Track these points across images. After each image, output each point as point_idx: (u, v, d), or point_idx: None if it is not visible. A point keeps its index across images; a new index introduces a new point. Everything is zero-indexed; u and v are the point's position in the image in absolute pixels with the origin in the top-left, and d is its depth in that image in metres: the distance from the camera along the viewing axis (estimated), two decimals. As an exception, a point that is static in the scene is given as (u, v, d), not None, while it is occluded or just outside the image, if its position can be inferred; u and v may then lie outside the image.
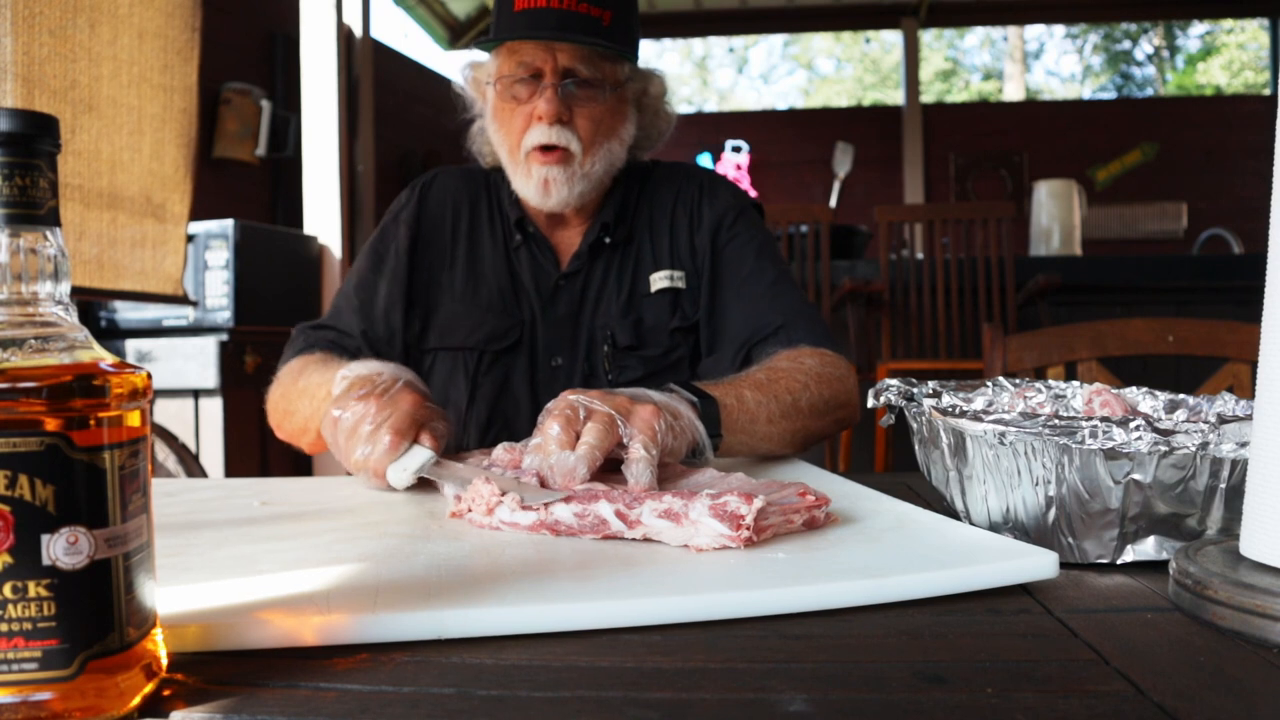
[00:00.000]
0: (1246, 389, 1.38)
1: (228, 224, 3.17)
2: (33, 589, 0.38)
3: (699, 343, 1.31)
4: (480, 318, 1.29)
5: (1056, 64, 18.20)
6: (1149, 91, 15.23)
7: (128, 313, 3.16)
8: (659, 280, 1.30)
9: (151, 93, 1.91)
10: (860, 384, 1.19)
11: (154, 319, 3.15)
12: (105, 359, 0.42)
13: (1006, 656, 0.48)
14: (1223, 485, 0.63)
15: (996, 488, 0.70)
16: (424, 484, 0.89)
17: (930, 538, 0.66)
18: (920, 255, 3.91)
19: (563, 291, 1.30)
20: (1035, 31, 15.58)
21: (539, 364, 1.29)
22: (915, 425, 0.80)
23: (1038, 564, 0.59)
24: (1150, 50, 15.24)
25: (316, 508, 0.84)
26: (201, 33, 2.03)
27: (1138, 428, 0.62)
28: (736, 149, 6.70)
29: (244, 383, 3.16)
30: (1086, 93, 15.80)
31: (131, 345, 3.13)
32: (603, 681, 0.45)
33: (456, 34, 6.40)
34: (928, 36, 14.11)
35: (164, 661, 0.44)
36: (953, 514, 0.76)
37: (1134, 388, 0.88)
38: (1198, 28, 14.36)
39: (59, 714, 0.39)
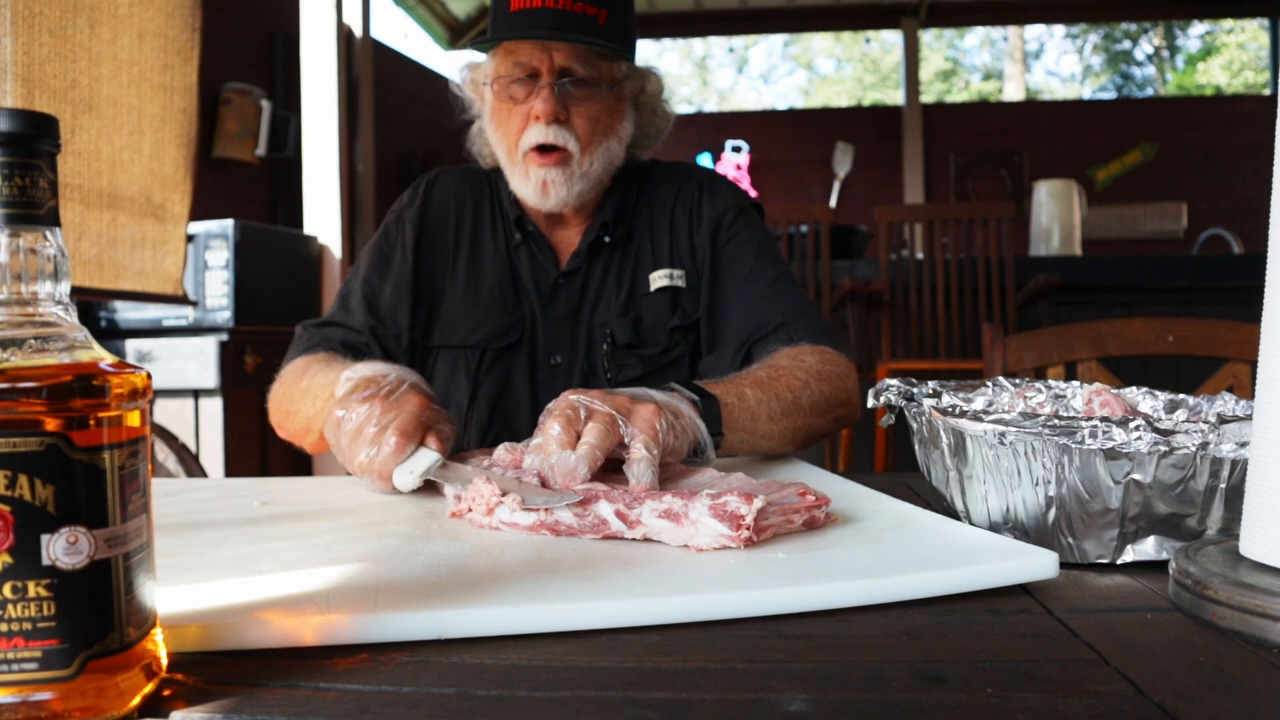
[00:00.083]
0: (1246, 389, 1.38)
1: (228, 224, 3.17)
2: (33, 589, 0.38)
3: (699, 341, 1.31)
4: (481, 316, 1.29)
5: (1056, 64, 18.22)
6: (1149, 91, 15.24)
7: (128, 313, 3.16)
8: (658, 279, 1.31)
9: (151, 93, 1.91)
10: (860, 384, 1.19)
11: (154, 319, 3.15)
12: (105, 359, 0.42)
13: (1006, 656, 0.48)
14: (1223, 485, 0.63)
15: (996, 488, 0.70)
16: (425, 484, 0.89)
17: (930, 538, 0.66)
18: (920, 255, 3.91)
19: (562, 290, 1.31)
20: (1035, 31, 15.58)
21: (539, 363, 1.29)
22: (915, 425, 0.80)
23: (1038, 564, 0.59)
24: (1150, 50, 15.25)
25: (316, 508, 0.84)
26: (201, 33, 2.03)
27: (1138, 428, 0.62)
28: (736, 149, 6.70)
29: (244, 383, 3.16)
30: (1086, 93, 15.80)
31: (131, 345, 3.13)
32: (603, 681, 0.45)
33: (456, 34, 6.41)
34: (928, 36, 14.12)
35: (164, 661, 0.44)
36: (953, 514, 0.76)
37: (1134, 388, 0.88)
38: (1198, 28, 14.36)
39: (59, 714, 0.39)
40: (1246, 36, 13.47)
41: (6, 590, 0.38)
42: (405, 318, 1.29)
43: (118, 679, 0.40)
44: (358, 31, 4.28)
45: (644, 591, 0.54)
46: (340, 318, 1.29)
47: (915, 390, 0.82)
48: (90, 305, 3.15)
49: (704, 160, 6.64)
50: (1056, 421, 0.64)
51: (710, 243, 1.31)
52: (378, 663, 0.47)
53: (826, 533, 0.70)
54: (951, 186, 6.64)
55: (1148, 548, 0.65)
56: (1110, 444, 0.62)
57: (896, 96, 11.53)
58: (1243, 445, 0.61)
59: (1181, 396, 0.85)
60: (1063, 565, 0.64)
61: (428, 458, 0.87)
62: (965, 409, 0.72)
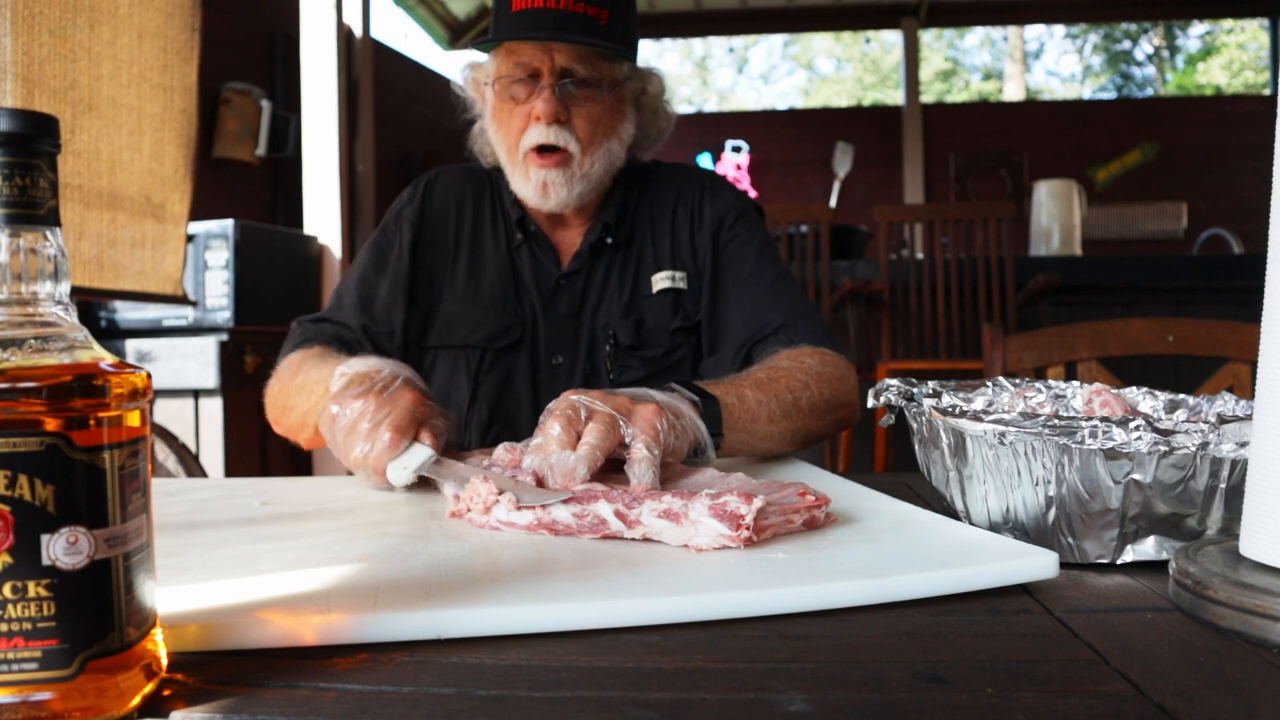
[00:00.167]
0: (1246, 389, 1.38)
1: (228, 224, 3.17)
2: (33, 589, 0.38)
3: (700, 343, 1.31)
4: (482, 316, 1.29)
5: (1056, 64, 18.23)
6: (1149, 91, 15.23)
7: (128, 313, 3.16)
8: (660, 281, 1.31)
9: (151, 93, 1.91)
10: (860, 384, 1.19)
11: (154, 319, 3.15)
12: (105, 359, 0.42)
13: (1006, 656, 0.48)
14: (1223, 485, 0.63)
15: (996, 488, 0.70)
16: (424, 483, 0.89)
17: (930, 538, 0.66)
18: (920, 255, 3.91)
19: (564, 291, 1.31)
20: (1035, 31, 15.58)
21: (540, 363, 1.29)
22: (915, 425, 0.80)
23: (1038, 564, 0.59)
24: (1150, 50, 15.25)
25: (316, 508, 0.84)
26: (201, 33, 2.03)
27: (1138, 428, 0.62)
28: (736, 149, 6.70)
29: (244, 383, 3.16)
30: (1086, 93, 15.80)
31: (131, 345, 3.13)
32: (602, 681, 0.45)
33: (456, 34, 6.41)
34: (928, 36, 14.12)
35: (164, 661, 0.44)
36: (953, 514, 0.76)
37: (1134, 388, 0.88)
38: (1198, 28, 14.36)
39: (59, 714, 0.39)
40: (1246, 36, 13.47)
41: (6, 590, 0.38)
42: (400, 316, 1.29)
43: (118, 679, 0.40)
44: (358, 31, 4.28)
45: (644, 591, 0.54)
46: (334, 314, 1.29)
47: (915, 390, 0.82)
48: (90, 305, 3.15)
49: (704, 160, 6.64)
50: (1056, 421, 0.64)
51: (711, 244, 1.31)
52: (378, 663, 0.47)
53: (826, 533, 0.70)
54: (951, 186, 6.64)
55: (1148, 548, 0.65)
56: (1110, 444, 0.62)
57: (896, 96, 11.53)
58: (1243, 445, 0.61)
59: (1181, 396, 0.85)
60: (1063, 565, 0.64)
61: (421, 453, 0.87)
62: (965, 409, 0.72)
